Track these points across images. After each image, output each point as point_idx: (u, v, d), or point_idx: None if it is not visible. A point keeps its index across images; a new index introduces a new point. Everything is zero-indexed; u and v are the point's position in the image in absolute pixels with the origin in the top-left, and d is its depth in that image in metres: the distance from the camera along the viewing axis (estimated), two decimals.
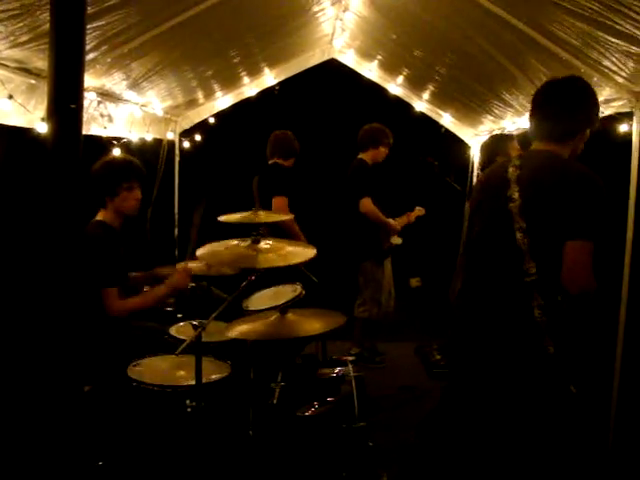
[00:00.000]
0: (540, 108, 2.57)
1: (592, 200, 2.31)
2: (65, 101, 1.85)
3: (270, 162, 5.30)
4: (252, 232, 2.73)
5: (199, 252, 2.79)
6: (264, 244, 2.69)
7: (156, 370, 2.84)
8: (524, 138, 5.11)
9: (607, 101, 3.97)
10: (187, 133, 6.77)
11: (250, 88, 6.66)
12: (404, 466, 3.50)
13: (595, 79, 3.77)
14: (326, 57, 6.67)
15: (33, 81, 3.42)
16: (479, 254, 2.63)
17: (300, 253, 2.73)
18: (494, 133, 5.53)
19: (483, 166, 4.56)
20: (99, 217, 3.46)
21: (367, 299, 5.53)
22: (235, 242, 2.79)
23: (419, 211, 5.77)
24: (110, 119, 4.52)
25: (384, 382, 5.00)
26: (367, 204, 5.32)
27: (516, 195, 2.43)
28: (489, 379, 2.53)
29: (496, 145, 4.46)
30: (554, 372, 2.33)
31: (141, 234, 5.91)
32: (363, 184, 5.38)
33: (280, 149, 5.28)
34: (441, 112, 6.89)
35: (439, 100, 6.63)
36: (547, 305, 2.31)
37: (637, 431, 3.80)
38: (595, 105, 2.54)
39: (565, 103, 2.49)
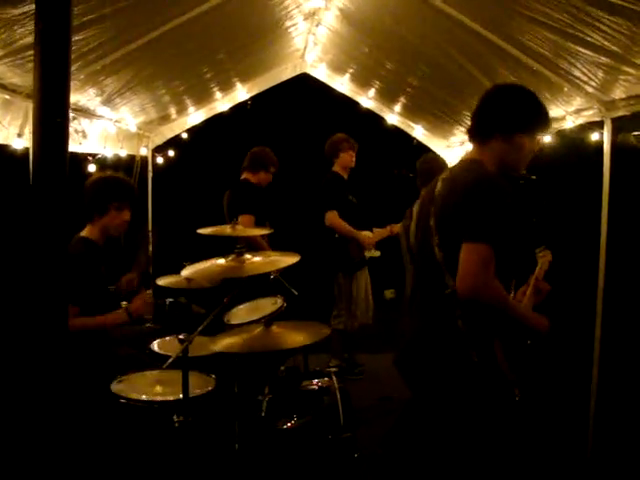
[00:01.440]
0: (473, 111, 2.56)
1: (482, 202, 2.24)
2: (51, 115, 1.84)
3: (241, 178, 5.30)
4: (235, 247, 2.73)
5: (184, 272, 2.78)
6: (247, 256, 2.70)
7: (140, 386, 2.81)
8: None
9: (578, 110, 4.06)
10: (160, 149, 6.74)
11: (222, 103, 6.66)
12: (387, 477, 3.51)
13: (566, 89, 3.86)
14: (298, 71, 6.71)
15: (8, 97, 3.39)
16: (415, 269, 2.67)
17: (284, 259, 2.74)
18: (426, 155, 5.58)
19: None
20: (84, 233, 3.44)
21: (342, 311, 5.56)
22: (219, 260, 2.79)
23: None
24: (84, 135, 4.50)
25: (364, 393, 5.00)
26: (332, 217, 5.39)
27: (433, 209, 2.45)
28: (426, 389, 2.56)
29: (433, 164, 4.59)
30: (480, 381, 2.34)
31: (116, 251, 5.85)
32: (329, 198, 5.45)
33: (249, 163, 5.28)
34: (413, 124, 6.97)
35: (411, 112, 6.71)
36: (467, 315, 2.31)
37: (615, 433, 3.86)
38: (527, 112, 2.43)
39: (486, 100, 2.47)
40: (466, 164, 2.47)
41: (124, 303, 3.85)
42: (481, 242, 2.21)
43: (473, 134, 2.50)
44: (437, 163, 4.75)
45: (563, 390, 4.30)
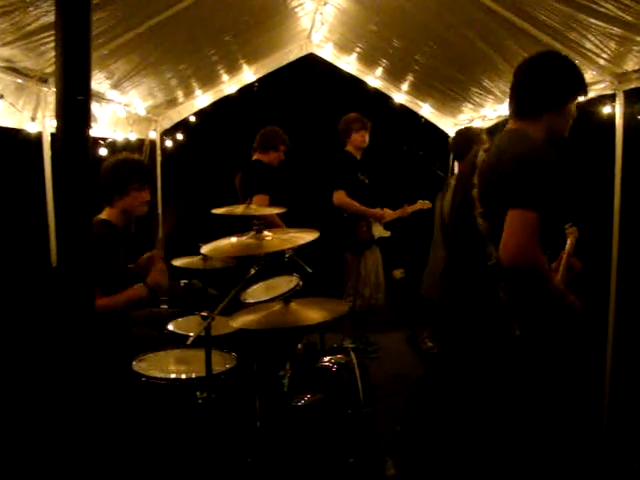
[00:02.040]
0: (513, 85, 2.53)
1: (535, 170, 2.23)
2: (73, 94, 1.84)
3: (253, 159, 5.30)
4: (253, 223, 2.74)
5: (204, 249, 2.79)
6: (267, 233, 2.70)
7: (160, 364, 2.84)
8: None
9: (589, 84, 4.02)
10: (168, 132, 6.74)
11: (229, 85, 6.65)
12: (405, 450, 3.53)
13: (576, 62, 3.82)
14: (304, 52, 6.68)
15: (21, 80, 3.39)
16: (453, 241, 2.66)
17: (303, 236, 2.74)
18: (460, 128, 5.54)
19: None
20: (103, 215, 3.45)
21: (350, 290, 5.56)
22: (237, 238, 2.80)
23: (422, 204, 5.69)
24: (95, 119, 4.50)
25: (378, 372, 5.01)
26: (339, 196, 5.38)
27: (476, 180, 2.44)
28: (465, 361, 2.57)
29: (469, 136, 4.54)
30: (522, 354, 2.34)
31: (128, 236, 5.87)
32: (338, 177, 5.44)
33: (259, 144, 5.27)
34: (420, 103, 6.94)
35: (418, 91, 6.68)
36: (511, 287, 2.31)
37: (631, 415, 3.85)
38: (571, 81, 2.45)
39: (533, 76, 2.45)
40: (514, 134, 2.45)
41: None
42: (530, 209, 2.18)
43: (520, 108, 2.47)
44: (473, 134, 4.65)
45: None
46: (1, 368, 3.87)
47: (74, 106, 1.85)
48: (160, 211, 6.84)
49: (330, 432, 2.92)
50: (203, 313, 2.51)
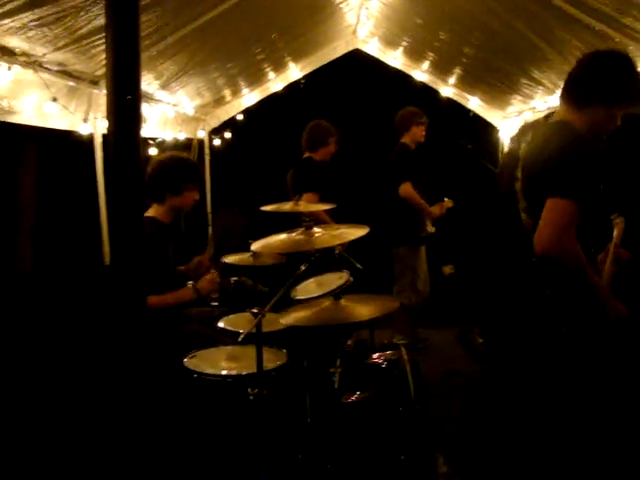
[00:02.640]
0: (573, 73, 2.47)
1: (576, 160, 2.19)
2: (124, 94, 1.87)
3: (304, 156, 5.29)
4: (303, 220, 2.74)
5: (254, 246, 2.80)
6: (317, 230, 2.70)
7: (211, 361, 2.86)
8: None
9: None
10: (216, 131, 6.81)
11: (275, 83, 6.69)
12: (455, 450, 3.49)
13: (631, 47, 3.71)
14: (350, 48, 6.67)
15: (73, 84, 3.47)
16: (497, 237, 2.61)
17: (353, 232, 2.73)
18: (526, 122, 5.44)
19: None
20: (151, 213, 3.49)
21: (405, 286, 5.51)
22: (286, 234, 2.81)
23: (448, 203, 5.70)
24: (144, 119, 4.57)
25: (429, 368, 4.97)
26: (407, 189, 5.31)
27: (519, 174, 2.39)
28: (513, 359, 2.51)
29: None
30: (569, 351, 2.28)
31: (176, 233, 5.95)
32: (404, 168, 5.38)
33: (308, 142, 5.25)
34: (468, 96, 6.85)
35: (466, 83, 6.59)
36: (557, 283, 2.25)
37: None
38: (627, 81, 2.37)
39: (590, 67, 2.40)
40: (557, 126, 2.41)
41: (190, 283, 3.92)
42: (567, 198, 2.15)
43: (571, 97, 2.43)
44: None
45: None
46: (57, 365, 3.97)
47: (125, 106, 1.88)
48: (209, 210, 6.92)
49: (381, 429, 2.90)
50: (254, 310, 2.52)
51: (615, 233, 2.73)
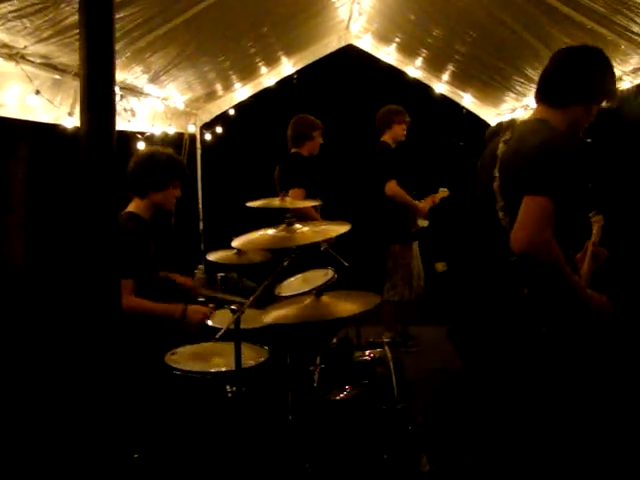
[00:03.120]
0: (547, 71, 2.46)
1: (552, 157, 2.17)
2: (98, 89, 1.84)
3: (291, 152, 5.26)
4: (285, 216, 2.72)
5: (235, 242, 2.79)
6: (298, 226, 2.68)
7: (193, 358, 2.84)
8: None
9: (636, 70, 3.89)
10: (208, 126, 6.78)
11: (268, 78, 6.66)
12: (441, 447, 3.48)
13: (622, 47, 3.70)
14: (343, 43, 6.65)
15: (58, 76, 3.44)
16: (474, 235, 2.60)
17: (335, 228, 2.72)
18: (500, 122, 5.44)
19: None
20: (131, 208, 3.44)
21: (397, 282, 5.49)
22: (269, 230, 2.79)
23: (443, 192, 5.68)
24: (133, 113, 4.54)
25: (417, 366, 4.96)
26: (393, 187, 5.29)
27: (497, 173, 2.37)
28: (489, 361, 2.50)
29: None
30: (549, 352, 2.26)
31: (166, 228, 5.93)
32: (387, 167, 5.34)
33: (293, 138, 5.21)
34: (462, 93, 6.83)
35: (459, 81, 6.57)
36: (535, 283, 2.23)
37: None
38: (604, 77, 2.37)
39: (566, 65, 2.38)
40: (534, 124, 2.39)
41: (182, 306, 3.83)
42: (544, 195, 2.14)
43: (547, 97, 2.41)
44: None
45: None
46: (46, 361, 3.95)
47: (99, 99, 1.86)
48: (200, 205, 6.90)
49: (364, 428, 2.89)
50: (232, 307, 2.50)
51: (594, 231, 2.72)
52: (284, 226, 2.67)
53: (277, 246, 2.79)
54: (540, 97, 2.45)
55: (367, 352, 3.26)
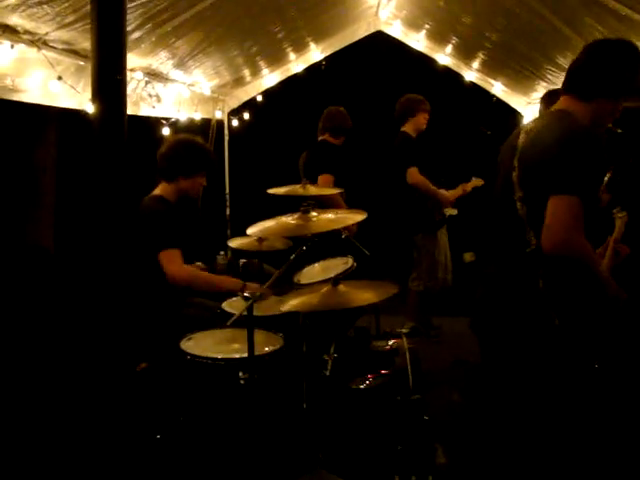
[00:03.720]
0: (577, 61, 2.40)
1: (577, 153, 2.14)
2: (110, 74, 1.85)
3: (320, 139, 5.24)
4: (302, 204, 2.70)
5: (250, 230, 2.79)
6: (314, 214, 2.66)
7: (209, 343, 2.86)
8: None
9: None
10: (235, 112, 6.78)
11: (296, 64, 6.63)
12: (458, 440, 3.45)
13: None
14: (372, 29, 6.57)
15: (81, 62, 3.46)
16: (492, 225, 2.57)
17: (350, 217, 2.70)
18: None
19: None
20: (158, 191, 3.50)
21: (422, 272, 5.45)
22: (284, 217, 2.78)
23: (476, 182, 5.58)
24: (158, 99, 4.55)
25: (439, 356, 4.94)
26: (414, 174, 5.23)
27: (516, 163, 2.33)
28: (502, 353, 2.47)
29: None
30: (561, 345, 2.23)
31: (192, 214, 5.96)
32: (408, 155, 5.30)
33: (331, 126, 5.19)
34: (492, 81, 6.72)
35: (490, 68, 6.47)
36: (550, 275, 2.21)
37: None
38: (635, 73, 2.31)
39: (597, 58, 2.32)
40: (556, 115, 2.35)
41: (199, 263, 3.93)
42: (572, 194, 2.11)
43: (574, 88, 2.36)
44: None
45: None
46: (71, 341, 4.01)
47: (111, 86, 1.86)
48: (227, 191, 6.93)
49: (378, 418, 2.87)
50: (245, 294, 2.50)
51: (617, 227, 2.67)
52: (300, 214, 2.65)
53: (292, 234, 2.78)
54: (567, 88, 2.40)
55: (385, 342, 3.25)
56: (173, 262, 3.22)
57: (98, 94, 1.82)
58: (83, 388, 3.45)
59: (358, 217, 2.71)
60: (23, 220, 6.03)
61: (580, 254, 2.14)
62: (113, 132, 1.84)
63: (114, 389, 2.85)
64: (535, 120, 2.44)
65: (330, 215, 2.74)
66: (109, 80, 1.81)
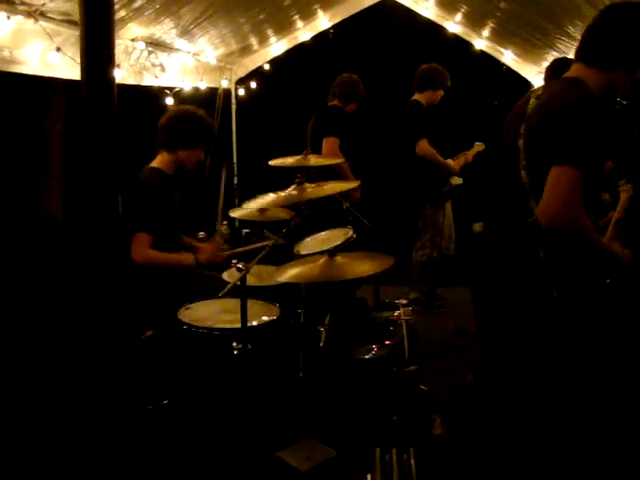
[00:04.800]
0: (594, 26, 2.27)
1: (582, 123, 2.06)
2: (97, 45, 1.85)
3: (330, 104, 5.22)
4: (296, 175, 2.71)
5: (246, 203, 2.80)
6: (307, 185, 2.67)
7: (206, 313, 2.89)
8: None
9: None
10: (242, 81, 6.74)
11: (304, 32, 6.56)
12: (458, 410, 3.48)
13: None
14: None
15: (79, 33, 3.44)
16: (495, 193, 2.53)
17: (342, 185, 2.71)
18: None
19: None
20: (155, 163, 3.51)
21: (426, 242, 5.45)
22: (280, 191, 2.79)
23: (478, 146, 5.53)
24: (162, 69, 4.54)
25: (442, 327, 4.96)
26: (424, 146, 5.20)
27: (523, 130, 2.27)
28: (501, 322, 2.45)
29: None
30: (559, 317, 2.21)
31: (199, 182, 5.96)
32: (419, 126, 5.25)
33: (341, 92, 5.17)
34: (502, 49, 6.62)
35: (500, 37, 6.36)
36: (551, 247, 2.17)
37: None
38: None
39: (618, 23, 2.20)
40: (568, 82, 2.25)
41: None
42: (573, 166, 2.04)
43: (589, 56, 2.26)
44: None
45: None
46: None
47: (99, 58, 1.87)
48: (235, 160, 6.92)
49: (373, 389, 2.91)
50: (239, 265, 2.52)
51: (621, 200, 2.64)
52: (294, 187, 2.66)
53: (285, 204, 2.79)
54: (581, 54, 2.29)
55: (382, 313, 3.27)
56: (137, 246, 3.24)
57: (86, 67, 1.82)
58: (86, 355, 3.52)
59: (350, 185, 2.72)
60: (33, 189, 6.07)
61: (578, 228, 2.08)
62: (101, 106, 1.84)
63: (117, 356, 2.90)
64: (545, 86, 2.36)
65: (322, 184, 2.74)
66: (97, 53, 1.80)
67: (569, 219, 2.05)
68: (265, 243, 3.14)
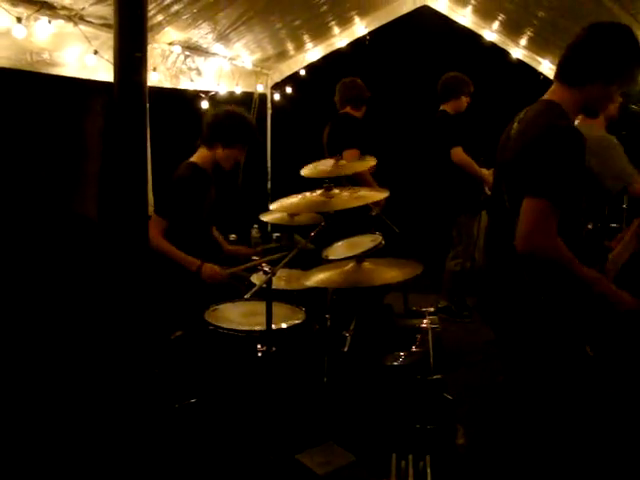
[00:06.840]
0: (567, 47, 2.33)
1: (548, 154, 2.10)
2: (130, 50, 1.88)
3: (341, 112, 5.22)
4: (324, 182, 2.72)
5: (272, 206, 2.83)
6: (336, 191, 2.68)
7: (233, 315, 2.92)
8: None
9: None
10: (277, 86, 6.78)
11: (340, 39, 6.58)
12: (484, 421, 3.45)
13: None
14: (418, 4, 6.47)
15: None
16: (490, 216, 2.60)
17: (373, 195, 2.71)
18: None
19: None
20: (194, 158, 3.58)
21: (460, 253, 5.42)
22: (308, 194, 2.81)
23: None
24: (198, 72, 4.59)
25: (469, 337, 4.93)
26: (459, 153, 5.17)
27: (506, 154, 2.32)
28: (503, 335, 2.53)
29: None
30: (547, 339, 2.26)
31: (233, 185, 6.01)
32: (451, 134, 5.23)
33: (351, 97, 5.17)
34: (539, 59, 6.56)
35: (537, 46, 6.30)
36: (534, 271, 2.20)
37: None
38: (628, 55, 2.22)
39: (587, 42, 2.23)
40: (542, 106, 2.28)
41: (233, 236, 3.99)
42: (544, 198, 2.09)
43: (564, 75, 2.28)
44: None
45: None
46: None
47: (132, 61, 1.90)
48: (269, 165, 6.97)
49: (398, 396, 2.91)
50: (265, 268, 2.54)
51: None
52: (322, 191, 2.68)
53: (313, 211, 2.81)
54: (557, 75, 2.33)
55: (409, 321, 3.27)
56: (153, 228, 3.20)
57: (119, 72, 1.85)
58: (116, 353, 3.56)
59: (380, 195, 2.72)
60: (70, 190, 6.18)
61: (552, 257, 2.13)
62: (132, 111, 1.87)
63: (147, 355, 2.93)
64: (527, 109, 2.36)
65: (352, 193, 2.75)
66: (129, 57, 1.84)
67: (541, 250, 2.12)
68: (268, 258, 3.16)
